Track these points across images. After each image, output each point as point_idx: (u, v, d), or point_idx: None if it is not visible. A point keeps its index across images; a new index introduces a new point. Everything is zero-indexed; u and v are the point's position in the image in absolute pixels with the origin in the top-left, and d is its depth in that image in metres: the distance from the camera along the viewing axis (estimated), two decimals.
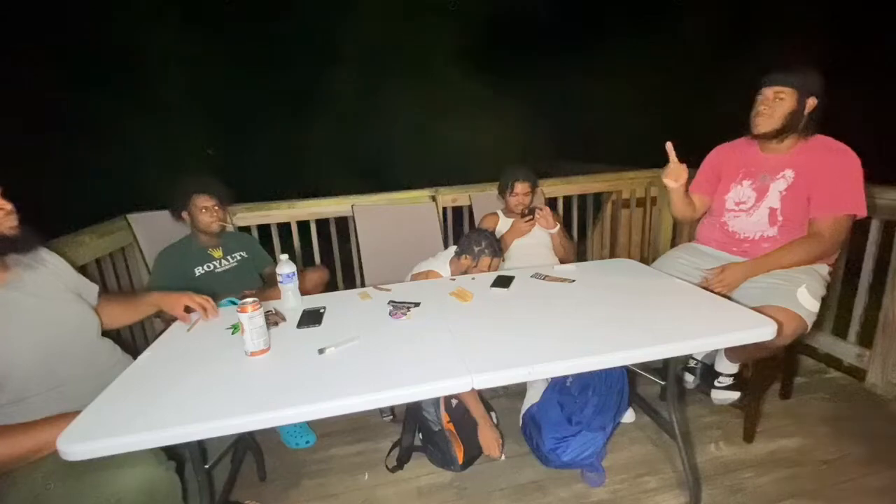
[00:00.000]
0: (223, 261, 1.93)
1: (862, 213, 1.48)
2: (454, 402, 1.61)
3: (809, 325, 1.44)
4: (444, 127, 7.87)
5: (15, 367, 0.98)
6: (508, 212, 2.27)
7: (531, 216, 2.12)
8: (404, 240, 2.47)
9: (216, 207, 1.88)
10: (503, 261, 1.88)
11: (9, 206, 1.05)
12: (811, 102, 1.50)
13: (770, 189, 1.59)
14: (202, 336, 1.28)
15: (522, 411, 1.68)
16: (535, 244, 2.17)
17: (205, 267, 1.87)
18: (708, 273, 1.60)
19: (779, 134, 1.54)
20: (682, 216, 1.81)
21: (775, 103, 1.51)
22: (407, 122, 7.70)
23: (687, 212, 1.79)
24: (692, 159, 1.86)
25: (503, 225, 2.24)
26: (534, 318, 1.30)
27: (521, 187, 2.17)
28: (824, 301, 1.51)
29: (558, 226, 2.15)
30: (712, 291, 1.46)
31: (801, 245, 1.52)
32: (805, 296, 1.44)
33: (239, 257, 1.97)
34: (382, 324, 1.31)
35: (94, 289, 1.34)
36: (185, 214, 1.90)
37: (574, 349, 1.07)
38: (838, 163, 1.49)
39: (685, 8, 8.08)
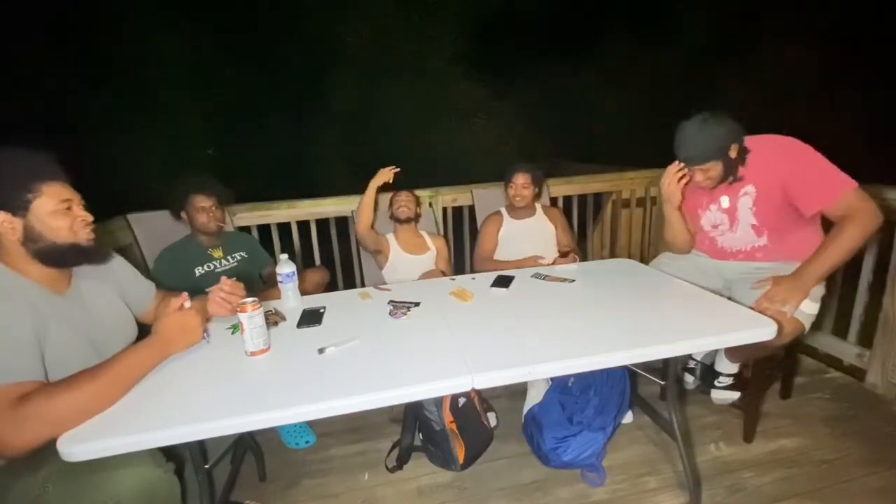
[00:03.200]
0: (223, 261, 1.92)
1: (853, 183, 1.39)
2: (461, 401, 1.59)
3: (807, 327, 1.44)
4: (444, 127, 7.87)
5: (67, 371, 0.99)
6: (511, 208, 2.27)
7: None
8: None
9: (213, 207, 1.87)
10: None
11: (90, 217, 1.09)
12: (734, 150, 1.48)
13: (739, 208, 1.58)
14: None
15: (524, 411, 1.68)
16: (538, 238, 2.19)
17: (205, 267, 1.87)
18: (757, 286, 1.49)
19: (724, 181, 1.55)
20: (681, 241, 1.74)
21: (706, 175, 1.52)
22: (407, 122, 7.70)
23: (686, 237, 1.73)
24: None
25: (507, 224, 2.24)
26: (534, 318, 1.30)
27: (521, 178, 2.17)
28: (824, 301, 1.51)
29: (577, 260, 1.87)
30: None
31: (843, 232, 1.37)
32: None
33: (239, 257, 1.97)
34: (382, 323, 1.31)
35: (149, 289, 1.31)
36: (183, 214, 1.90)
37: (574, 349, 1.07)
38: (794, 158, 1.45)
39: (686, 8, 8.09)
